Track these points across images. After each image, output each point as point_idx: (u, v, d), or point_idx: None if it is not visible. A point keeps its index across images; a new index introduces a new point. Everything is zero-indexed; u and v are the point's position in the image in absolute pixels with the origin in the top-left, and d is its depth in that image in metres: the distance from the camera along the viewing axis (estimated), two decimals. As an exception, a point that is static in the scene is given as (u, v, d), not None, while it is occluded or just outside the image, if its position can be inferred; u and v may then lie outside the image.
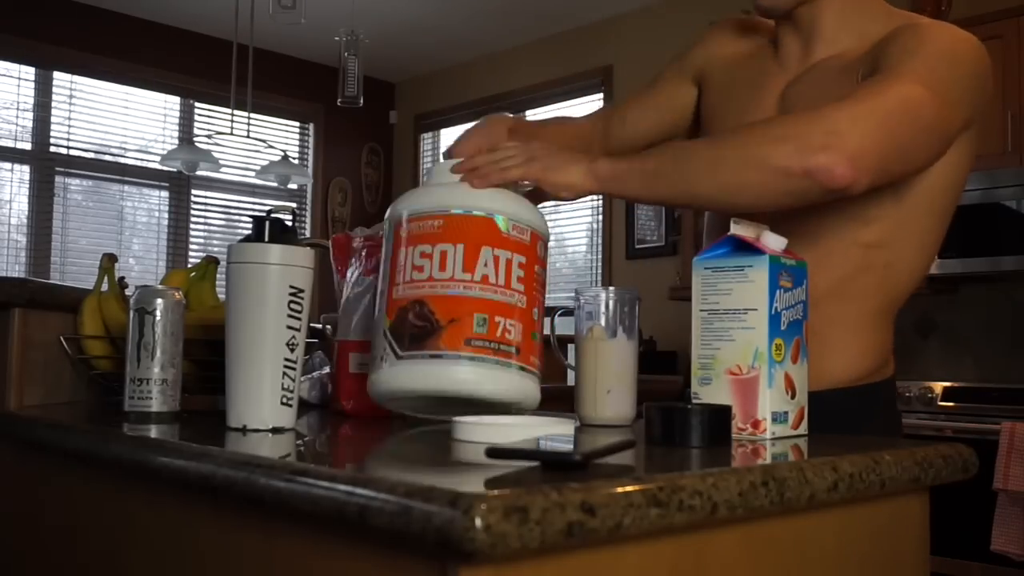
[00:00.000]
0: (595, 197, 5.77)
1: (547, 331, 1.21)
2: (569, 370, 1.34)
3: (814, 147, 1.04)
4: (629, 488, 0.65)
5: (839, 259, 1.29)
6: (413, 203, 1.14)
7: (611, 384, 1.17)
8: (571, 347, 1.38)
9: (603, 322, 1.18)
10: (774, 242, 1.03)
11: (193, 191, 6.12)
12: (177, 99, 6.07)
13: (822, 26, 1.30)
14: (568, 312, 1.26)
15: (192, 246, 6.10)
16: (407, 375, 1.06)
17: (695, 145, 1.20)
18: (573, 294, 1.24)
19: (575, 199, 1.19)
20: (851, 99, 1.08)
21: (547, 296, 1.17)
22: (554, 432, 0.93)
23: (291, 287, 1.04)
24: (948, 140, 1.16)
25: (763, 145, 1.08)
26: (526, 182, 1.17)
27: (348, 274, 1.32)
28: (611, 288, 1.21)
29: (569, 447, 0.75)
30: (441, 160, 1.22)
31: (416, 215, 1.11)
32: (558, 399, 3.25)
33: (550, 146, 1.20)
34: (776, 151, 1.06)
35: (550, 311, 1.32)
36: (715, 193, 1.12)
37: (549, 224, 1.22)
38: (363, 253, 1.30)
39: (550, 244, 1.31)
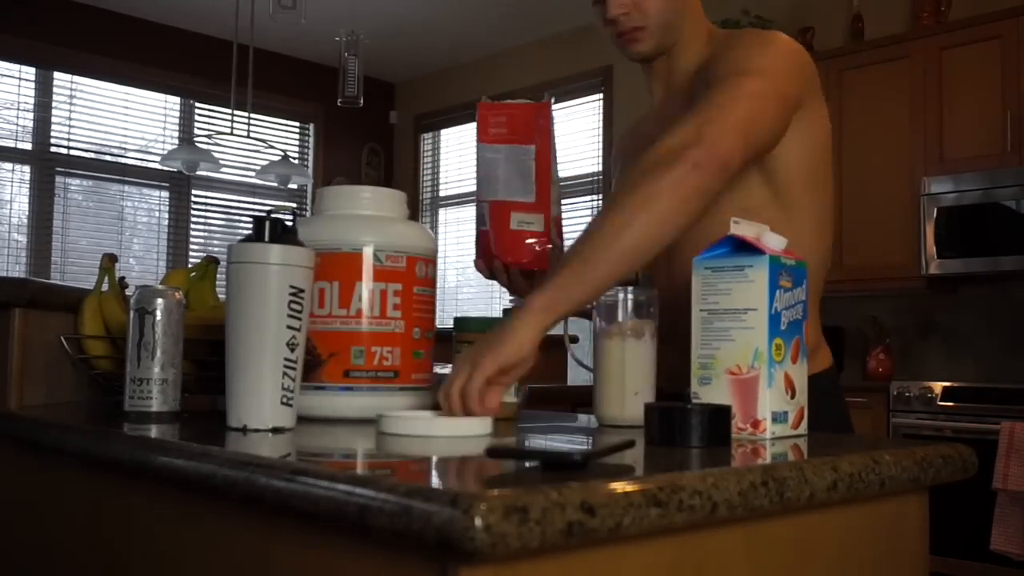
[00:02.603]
0: (594, 197, 5.77)
1: (558, 331, 1.21)
2: (579, 366, 1.34)
3: (687, 146, 1.16)
4: (629, 488, 0.65)
5: None
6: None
7: (639, 386, 1.16)
8: (573, 347, 1.38)
9: (628, 323, 1.17)
10: (774, 242, 1.03)
11: (193, 191, 6.12)
12: (177, 99, 6.07)
13: (675, 67, 1.46)
14: (581, 313, 1.25)
15: (192, 246, 6.10)
16: (303, 404, 1.12)
17: (596, 219, 1.16)
18: None
19: (537, 346, 1.09)
20: (706, 102, 1.23)
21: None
22: (468, 426, 1.01)
23: (291, 287, 1.04)
24: (787, 115, 1.31)
25: (648, 176, 1.15)
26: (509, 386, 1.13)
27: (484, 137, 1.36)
28: (630, 288, 1.19)
29: (569, 447, 0.75)
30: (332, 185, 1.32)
31: None
32: (558, 399, 3.25)
33: (486, 337, 1.09)
34: (662, 172, 1.14)
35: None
36: (643, 240, 1.13)
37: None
38: (501, 120, 1.36)
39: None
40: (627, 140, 1.62)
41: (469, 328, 1.27)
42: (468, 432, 1.01)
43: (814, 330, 1.40)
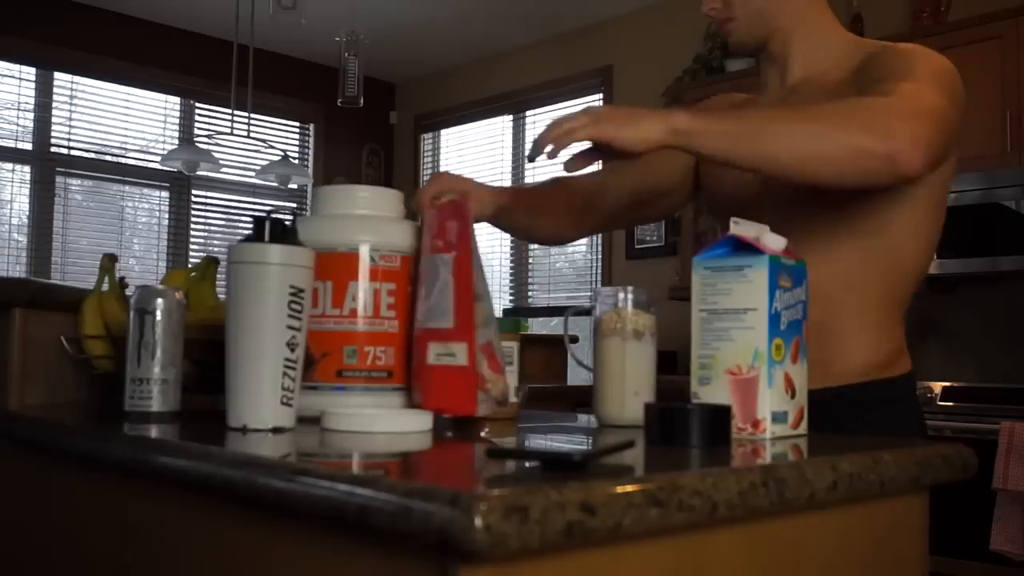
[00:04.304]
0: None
1: (558, 331, 1.21)
2: (579, 366, 1.33)
3: (897, 134, 1.12)
4: (629, 488, 0.65)
5: (839, 249, 1.34)
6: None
7: (639, 386, 1.16)
8: (573, 347, 1.38)
9: (628, 323, 1.17)
10: (774, 242, 1.03)
11: (193, 191, 6.12)
12: (177, 99, 6.07)
13: (794, 53, 1.43)
14: (581, 312, 1.25)
15: (192, 246, 6.10)
16: (299, 404, 1.10)
17: (778, 113, 1.19)
18: (589, 293, 1.23)
19: (647, 152, 1.15)
20: (909, 96, 1.17)
21: (550, 296, 1.17)
22: (408, 421, 1.05)
23: (291, 287, 1.04)
24: (955, 140, 1.28)
25: (849, 126, 1.13)
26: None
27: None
28: (630, 288, 1.19)
29: (569, 447, 0.75)
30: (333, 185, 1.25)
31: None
32: (558, 399, 3.25)
33: (618, 105, 1.19)
34: (862, 134, 1.12)
35: (560, 310, 1.32)
36: (796, 164, 1.14)
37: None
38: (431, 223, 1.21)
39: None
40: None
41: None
42: (408, 428, 1.04)
43: (899, 332, 1.39)
